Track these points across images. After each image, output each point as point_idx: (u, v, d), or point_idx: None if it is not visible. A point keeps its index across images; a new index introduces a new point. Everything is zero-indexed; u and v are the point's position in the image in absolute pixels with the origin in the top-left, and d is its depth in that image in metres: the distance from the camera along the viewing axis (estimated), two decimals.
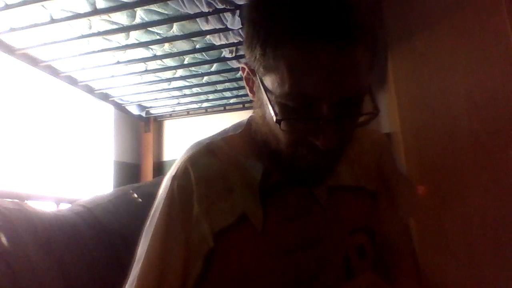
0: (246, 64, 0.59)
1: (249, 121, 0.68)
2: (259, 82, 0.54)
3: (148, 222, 0.63)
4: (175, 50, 1.69)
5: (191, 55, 1.74)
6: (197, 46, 1.68)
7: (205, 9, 1.36)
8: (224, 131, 0.69)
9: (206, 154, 0.63)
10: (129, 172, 2.43)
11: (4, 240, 0.88)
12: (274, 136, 0.56)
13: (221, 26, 1.48)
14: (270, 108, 0.52)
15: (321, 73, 0.48)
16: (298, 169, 0.56)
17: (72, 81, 1.89)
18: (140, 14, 1.40)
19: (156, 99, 2.27)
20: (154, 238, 0.60)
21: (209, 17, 1.43)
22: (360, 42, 0.49)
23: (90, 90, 2.02)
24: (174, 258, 0.58)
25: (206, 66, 1.87)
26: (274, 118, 0.51)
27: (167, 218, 0.60)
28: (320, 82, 0.48)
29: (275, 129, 0.54)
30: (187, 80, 2.02)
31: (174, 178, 0.62)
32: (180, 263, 0.58)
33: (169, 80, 1.99)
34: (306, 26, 0.48)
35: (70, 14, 1.36)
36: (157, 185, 0.67)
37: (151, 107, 2.44)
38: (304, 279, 0.58)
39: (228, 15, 1.42)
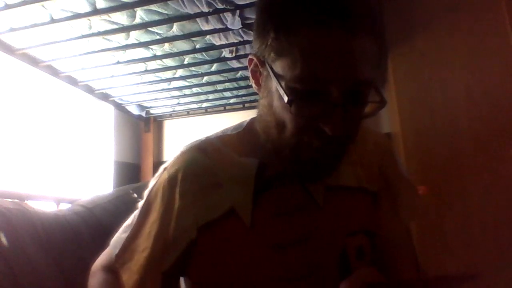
0: (254, 55, 0.60)
1: (250, 122, 0.68)
2: (269, 69, 0.54)
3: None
4: (175, 50, 1.69)
5: (191, 55, 1.74)
6: (197, 46, 1.68)
7: (205, 9, 1.36)
8: (224, 131, 0.69)
9: (196, 152, 0.65)
10: (129, 172, 2.43)
11: (4, 240, 0.88)
12: (280, 124, 0.55)
13: (221, 26, 1.48)
14: (281, 91, 0.52)
15: (333, 57, 0.49)
16: (301, 160, 0.56)
17: (72, 81, 1.89)
18: (140, 14, 1.40)
19: (156, 99, 2.27)
20: (136, 220, 0.65)
21: (209, 17, 1.43)
22: (371, 32, 0.50)
23: (90, 90, 2.02)
24: (145, 239, 0.62)
25: (206, 66, 1.87)
26: (286, 99, 0.51)
27: (148, 204, 0.65)
28: (331, 66, 0.49)
29: (282, 115, 0.55)
30: (187, 80, 2.02)
31: (165, 170, 0.65)
32: (154, 248, 0.61)
33: (169, 80, 1.99)
34: (321, 10, 0.49)
35: (70, 14, 1.36)
36: None
37: (151, 107, 2.44)
38: (294, 276, 0.59)
39: (228, 15, 1.42)
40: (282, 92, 0.51)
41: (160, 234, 0.61)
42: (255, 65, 0.60)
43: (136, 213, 0.67)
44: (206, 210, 0.60)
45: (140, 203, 0.67)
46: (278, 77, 0.53)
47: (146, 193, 0.67)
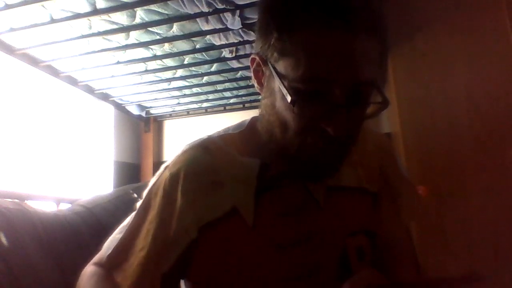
0: (256, 54, 0.59)
1: (251, 121, 0.68)
2: (272, 69, 0.54)
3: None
4: (175, 50, 1.69)
5: (191, 55, 1.74)
6: (197, 46, 1.68)
7: (205, 9, 1.36)
8: (225, 130, 0.69)
9: (199, 151, 0.64)
10: (129, 172, 2.43)
11: (4, 240, 0.88)
12: (283, 124, 0.55)
13: (221, 26, 1.48)
14: (284, 91, 0.51)
15: (337, 58, 0.49)
16: (304, 161, 0.56)
17: (72, 81, 1.89)
18: (140, 14, 1.40)
19: (156, 99, 2.27)
20: (136, 217, 0.64)
21: (209, 17, 1.43)
22: (374, 33, 0.51)
23: (90, 90, 2.02)
24: (143, 239, 0.60)
25: (206, 66, 1.87)
26: (289, 99, 0.50)
27: (150, 201, 0.63)
28: (335, 66, 0.49)
29: (285, 115, 0.54)
30: (187, 80, 2.02)
31: (166, 168, 0.64)
32: (152, 246, 0.59)
33: (169, 80, 1.99)
34: (324, 11, 0.49)
35: (70, 14, 1.36)
36: None
37: (151, 107, 2.44)
38: (295, 276, 0.59)
39: (228, 15, 1.42)
40: (285, 92, 0.51)
41: (159, 233, 0.60)
42: (257, 65, 0.60)
43: (133, 214, 0.66)
44: (208, 210, 0.60)
45: (138, 204, 0.66)
46: (281, 77, 0.53)
47: (145, 192, 0.66)
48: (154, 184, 0.64)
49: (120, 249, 0.63)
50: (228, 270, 0.59)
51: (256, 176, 0.61)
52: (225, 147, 0.65)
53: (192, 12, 1.39)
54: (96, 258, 0.69)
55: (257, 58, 0.59)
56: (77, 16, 1.36)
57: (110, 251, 0.63)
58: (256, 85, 0.62)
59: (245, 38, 1.57)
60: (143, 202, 0.65)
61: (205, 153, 0.63)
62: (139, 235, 0.61)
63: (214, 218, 0.59)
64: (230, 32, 1.54)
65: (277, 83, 0.53)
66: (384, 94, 0.53)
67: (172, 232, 0.59)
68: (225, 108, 2.53)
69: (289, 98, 0.50)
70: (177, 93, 2.20)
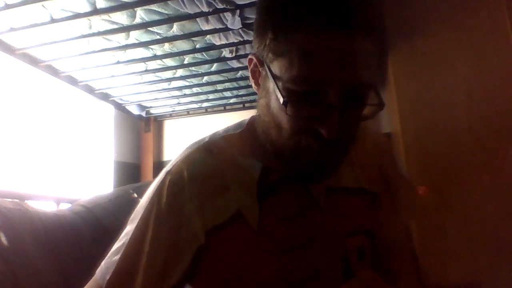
0: (254, 55, 0.59)
1: (250, 121, 0.68)
2: (267, 69, 0.54)
3: (136, 208, 0.64)
4: (175, 50, 1.69)
5: (191, 55, 1.74)
6: (197, 46, 1.68)
7: (205, 9, 1.36)
8: (225, 130, 0.69)
9: (203, 153, 0.63)
10: (129, 172, 2.43)
11: (4, 239, 0.88)
12: (277, 125, 0.55)
13: (221, 26, 1.48)
14: (277, 92, 0.51)
15: (332, 59, 0.49)
16: (299, 162, 0.56)
17: (72, 81, 1.89)
18: (140, 14, 1.40)
19: (156, 99, 2.27)
20: (137, 230, 0.60)
21: (209, 17, 1.43)
22: (370, 34, 0.50)
23: (90, 90, 2.02)
24: (153, 250, 0.58)
25: (206, 66, 1.87)
26: (281, 100, 0.50)
27: (152, 211, 0.61)
28: (329, 67, 0.49)
29: (279, 116, 0.54)
30: (187, 80, 2.02)
31: (168, 173, 0.62)
32: (160, 256, 0.58)
33: (169, 80, 1.99)
34: (319, 12, 0.48)
35: (70, 14, 1.36)
36: None
37: (151, 107, 2.44)
38: (299, 279, 0.58)
39: (228, 15, 1.42)
40: (278, 93, 0.51)
41: (168, 244, 0.58)
42: (254, 65, 0.60)
43: (129, 230, 0.62)
44: (214, 214, 0.59)
45: (136, 217, 0.63)
46: (275, 77, 0.52)
47: (143, 204, 0.63)
48: (154, 194, 0.62)
49: (122, 270, 0.60)
50: (233, 275, 0.59)
51: (259, 179, 0.60)
52: (228, 149, 0.64)
53: (192, 12, 1.39)
54: (91, 285, 0.64)
55: (254, 59, 0.59)
56: (77, 16, 1.36)
57: (108, 275, 0.59)
58: (253, 85, 0.62)
59: (245, 38, 1.57)
60: (142, 216, 0.61)
61: (208, 156, 0.63)
62: (143, 251, 0.59)
63: (220, 222, 0.58)
64: (230, 32, 1.54)
65: (272, 84, 0.53)
66: (380, 96, 0.52)
67: (182, 240, 0.58)
68: (225, 108, 2.53)
69: (281, 99, 0.50)
70: (177, 93, 2.20)
